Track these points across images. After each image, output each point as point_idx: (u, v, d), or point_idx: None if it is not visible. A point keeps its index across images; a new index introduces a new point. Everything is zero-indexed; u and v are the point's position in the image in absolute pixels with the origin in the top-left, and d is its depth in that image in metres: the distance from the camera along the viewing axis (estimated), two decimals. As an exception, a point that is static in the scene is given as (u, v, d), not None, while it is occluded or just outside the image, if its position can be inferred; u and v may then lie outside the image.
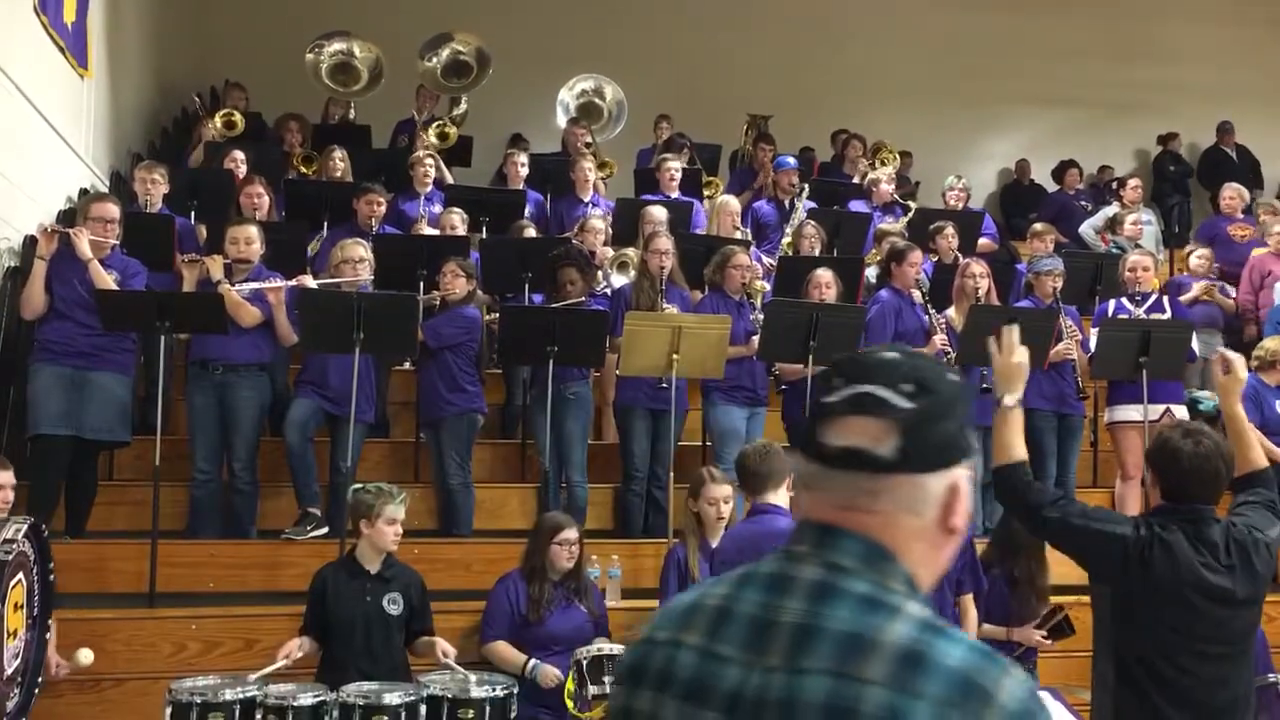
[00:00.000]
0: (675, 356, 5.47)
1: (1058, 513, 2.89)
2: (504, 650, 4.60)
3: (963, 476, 1.26)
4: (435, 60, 9.29)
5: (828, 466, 1.26)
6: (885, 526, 1.25)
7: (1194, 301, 7.73)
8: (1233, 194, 9.39)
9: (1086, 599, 3.08)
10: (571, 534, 4.74)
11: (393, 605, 4.40)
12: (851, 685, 1.16)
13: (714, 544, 4.49)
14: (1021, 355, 2.99)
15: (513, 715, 4.12)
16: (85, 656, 4.22)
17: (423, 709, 3.98)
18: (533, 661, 4.50)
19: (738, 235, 7.64)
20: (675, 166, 8.45)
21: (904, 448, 1.23)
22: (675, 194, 8.25)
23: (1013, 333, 3.01)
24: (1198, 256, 8.19)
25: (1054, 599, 4.79)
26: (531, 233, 7.39)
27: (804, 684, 1.18)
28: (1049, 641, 4.70)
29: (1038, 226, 8.75)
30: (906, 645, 1.18)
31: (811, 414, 1.30)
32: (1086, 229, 9.78)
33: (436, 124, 9.32)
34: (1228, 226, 9.11)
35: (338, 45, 9.30)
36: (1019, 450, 2.98)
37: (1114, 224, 9.19)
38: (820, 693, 1.16)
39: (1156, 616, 2.80)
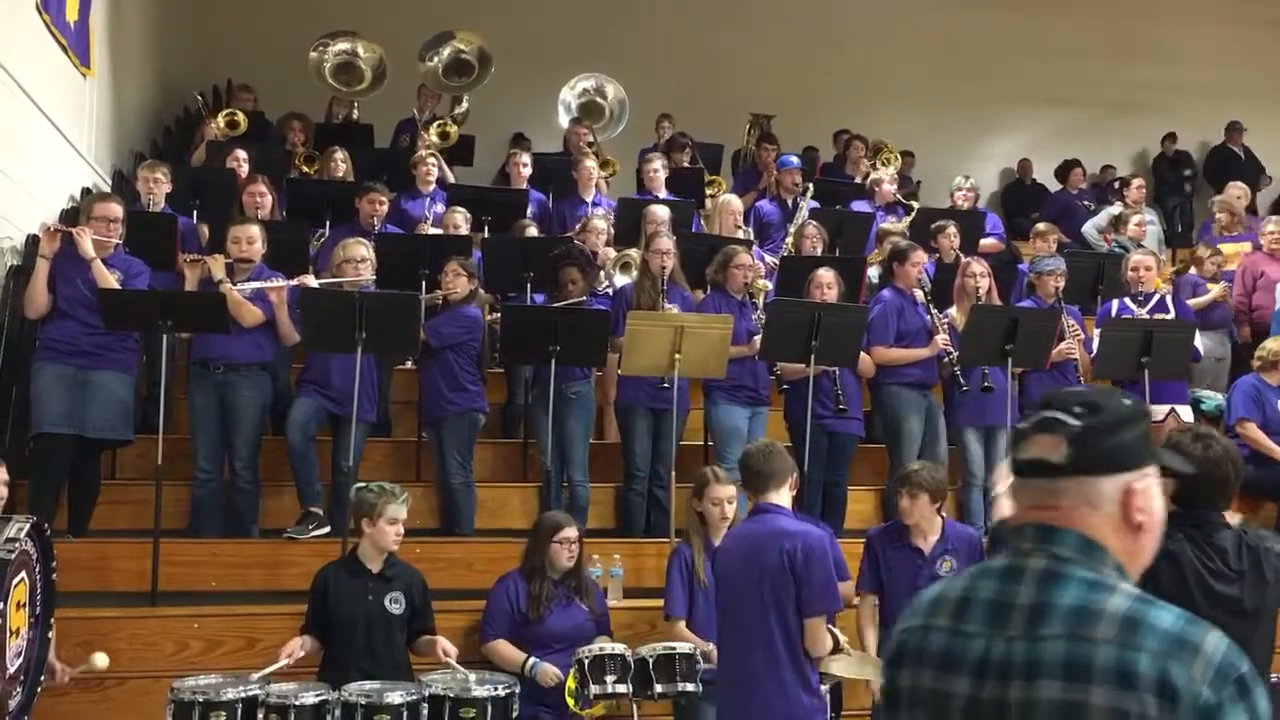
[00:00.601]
0: (677, 356, 5.46)
1: None
2: (504, 649, 4.60)
3: (1138, 480, 1.56)
4: (437, 59, 9.29)
5: (1021, 476, 1.61)
6: (1084, 520, 1.55)
7: (1211, 304, 7.67)
8: (1238, 193, 9.37)
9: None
10: (571, 532, 4.74)
11: (394, 604, 4.40)
12: (1085, 645, 1.46)
13: (717, 544, 4.49)
14: None
15: (514, 714, 4.12)
16: (100, 660, 4.21)
17: (424, 708, 3.98)
18: (532, 660, 4.50)
19: (740, 235, 7.64)
20: (657, 166, 8.41)
21: (1073, 455, 1.55)
22: (663, 193, 8.23)
23: None
24: (1212, 259, 8.12)
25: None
26: (533, 232, 7.39)
27: (1044, 647, 1.48)
28: None
29: (1040, 226, 8.74)
30: (1127, 612, 1.47)
31: (1014, 436, 1.65)
32: (1089, 229, 9.78)
33: (438, 123, 9.32)
34: (1230, 226, 9.11)
35: (342, 45, 9.31)
36: None
37: (1118, 224, 9.19)
38: (1060, 653, 1.47)
39: None
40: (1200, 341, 7.11)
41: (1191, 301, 7.41)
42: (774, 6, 12.32)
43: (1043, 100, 12.78)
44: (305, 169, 8.82)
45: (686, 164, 9.46)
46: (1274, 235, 8.03)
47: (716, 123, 10.66)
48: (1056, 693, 1.45)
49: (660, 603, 4.78)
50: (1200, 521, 2.81)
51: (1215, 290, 7.75)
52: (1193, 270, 8.03)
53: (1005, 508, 2.59)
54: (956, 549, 4.62)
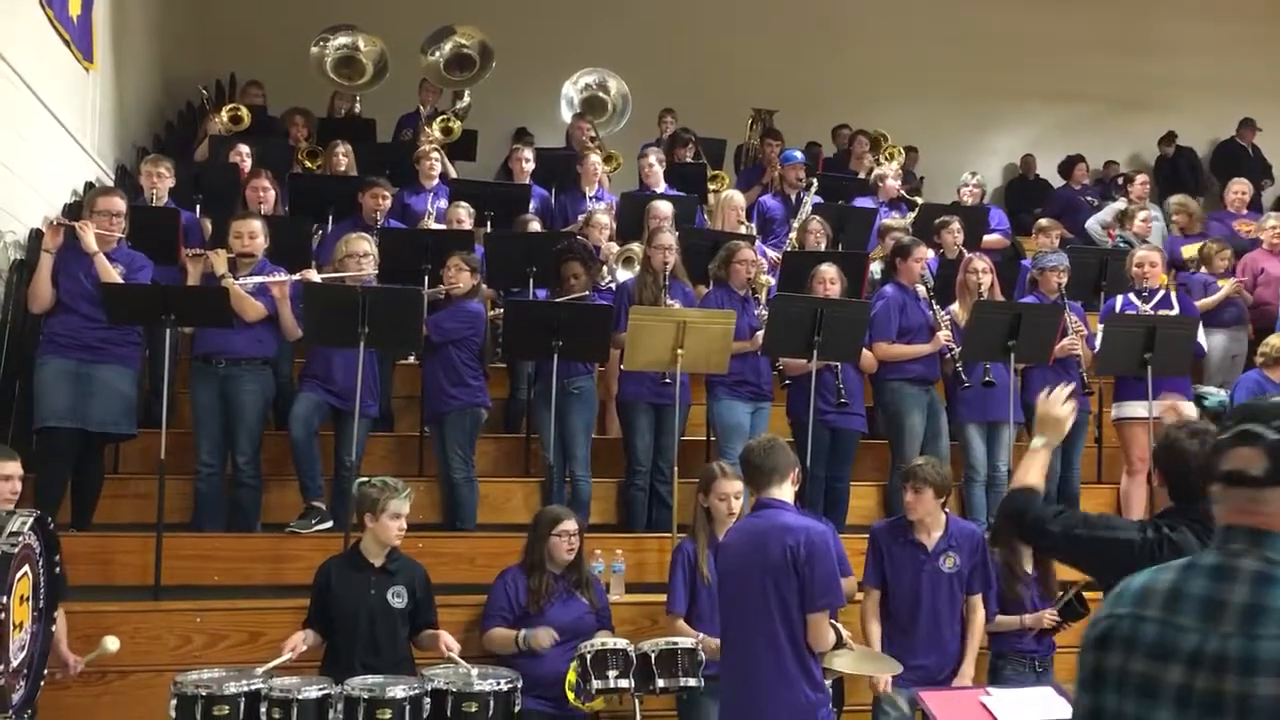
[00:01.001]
0: (679, 351, 5.46)
1: (1059, 526, 2.88)
2: (498, 633, 4.61)
3: None
4: (438, 54, 9.28)
5: (1224, 484, 1.70)
6: None
7: (1223, 301, 7.64)
8: (1241, 188, 9.35)
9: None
10: (571, 525, 4.75)
11: (396, 599, 4.41)
12: None
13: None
14: (1065, 410, 2.99)
15: (517, 709, 4.12)
16: (112, 643, 4.23)
17: (427, 702, 3.99)
18: (524, 631, 4.51)
19: (742, 230, 7.63)
20: (653, 160, 8.40)
21: (1272, 468, 1.65)
22: (661, 187, 8.21)
23: (1066, 389, 3.12)
24: (1220, 256, 8.08)
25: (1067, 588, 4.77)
26: (536, 227, 7.38)
27: (1261, 646, 1.57)
28: (1061, 621, 4.67)
29: (1043, 222, 8.72)
30: None
31: (1213, 448, 1.75)
32: (1093, 224, 9.76)
33: (441, 118, 9.31)
34: (1233, 222, 9.09)
35: (343, 39, 9.31)
36: (1032, 480, 2.98)
37: (1123, 219, 9.16)
38: (1278, 653, 1.56)
39: None
40: (1211, 338, 7.10)
41: (1203, 301, 7.37)
42: (773, 3, 12.30)
43: (1045, 96, 12.75)
44: (308, 164, 8.82)
45: (689, 159, 9.45)
46: (1275, 230, 8.01)
47: (718, 118, 10.65)
48: (1275, 689, 1.55)
49: (662, 598, 4.78)
50: (1199, 515, 2.84)
51: (1227, 287, 7.71)
52: (1203, 269, 7.99)
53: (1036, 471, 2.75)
54: (959, 544, 4.63)
